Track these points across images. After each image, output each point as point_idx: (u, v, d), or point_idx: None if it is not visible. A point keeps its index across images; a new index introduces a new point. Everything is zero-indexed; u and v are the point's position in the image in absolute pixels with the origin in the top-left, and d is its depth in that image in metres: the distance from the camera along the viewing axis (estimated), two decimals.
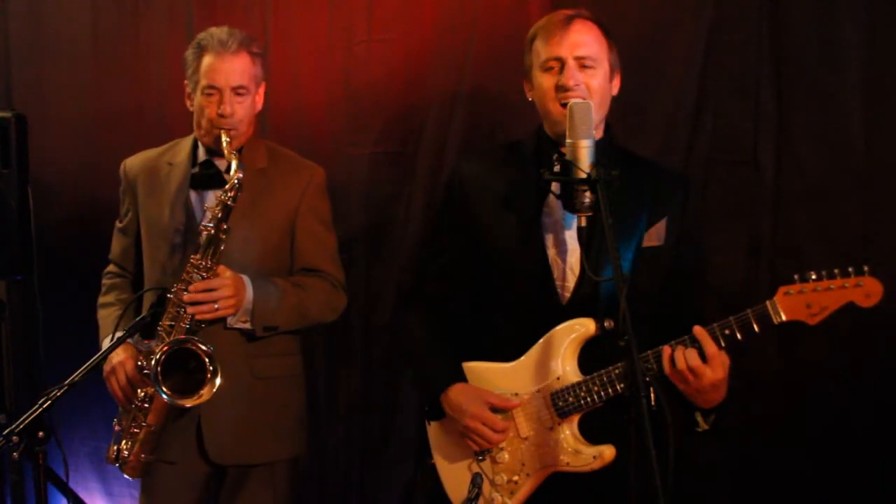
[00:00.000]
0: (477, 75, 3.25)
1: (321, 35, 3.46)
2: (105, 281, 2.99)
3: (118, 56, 3.73)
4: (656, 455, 1.92)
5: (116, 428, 2.75)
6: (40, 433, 2.38)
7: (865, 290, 2.12)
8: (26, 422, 2.30)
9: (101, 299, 2.97)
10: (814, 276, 2.15)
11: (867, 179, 2.88)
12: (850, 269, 2.14)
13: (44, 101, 3.75)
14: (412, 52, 3.35)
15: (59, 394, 2.34)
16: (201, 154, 2.84)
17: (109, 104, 3.73)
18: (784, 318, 2.17)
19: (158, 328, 2.66)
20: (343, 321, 3.49)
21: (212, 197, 2.78)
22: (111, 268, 3.00)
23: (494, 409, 2.37)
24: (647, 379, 2.20)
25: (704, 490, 3.03)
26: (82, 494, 3.54)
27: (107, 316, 2.90)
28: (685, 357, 2.19)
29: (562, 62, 2.32)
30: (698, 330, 2.20)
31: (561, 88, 2.31)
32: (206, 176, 2.82)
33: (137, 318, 2.62)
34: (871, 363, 2.83)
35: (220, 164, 2.80)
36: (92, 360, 2.45)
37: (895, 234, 2.87)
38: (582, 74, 2.31)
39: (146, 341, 2.64)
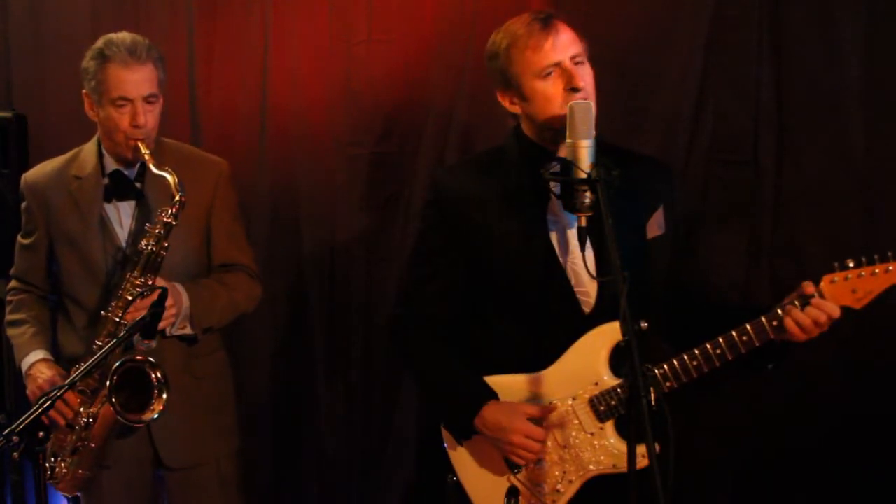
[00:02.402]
0: (477, 75, 3.24)
1: (321, 35, 3.45)
2: (10, 297, 2.94)
3: None
4: (657, 455, 1.92)
5: (46, 446, 2.72)
6: (40, 433, 2.38)
7: None
8: (26, 422, 2.30)
9: (11, 317, 2.91)
10: (852, 264, 2.20)
11: (867, 179, 2.88)
12: (890, 254, 2.20)
13: (44, 101, 3.75)
14: (412, 52, 3.35)
15: (59, 394, 2.34)
16: (109, 164, 2.79)
17: None
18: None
19: (95, 347, 2.66)
20: (343, 322, 3.51)
21: (125, 208, 2.78)
22: (15, 284, 2.95)
23: (533, 420, 2.34)
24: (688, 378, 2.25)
25: (705, 489, 3.03)
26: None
27: (21, 334, 2.86)
28: (810, 316, 2.20)
29: (560, 65, 2.29)
30: (815, 301, 2.21)
31: (572, 90, 2.27)
32: (118, 186, 2.78)
33: (137, 319, 2.61)
34: (873, 363, 2.83)
35: (130, 173, 2.78)
36: (92, 360, 2.44)
37: (895, 233, 2.88)
38: (580, 72, 2.30)
39: (146, 341, 2.64)
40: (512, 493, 2.35)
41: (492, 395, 2.39)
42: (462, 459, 2.47)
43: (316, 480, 3.59)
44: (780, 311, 2.23)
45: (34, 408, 2.31)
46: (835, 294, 2.21)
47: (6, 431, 2.28)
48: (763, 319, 2.23)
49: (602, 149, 2.30)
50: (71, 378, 2.43)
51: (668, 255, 2.40)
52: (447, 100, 3.30)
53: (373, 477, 3.50)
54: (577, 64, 2.31)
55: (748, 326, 2.24)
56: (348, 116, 3.44)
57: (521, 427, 2.32)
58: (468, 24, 3.26)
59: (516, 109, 2.39)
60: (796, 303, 2.22)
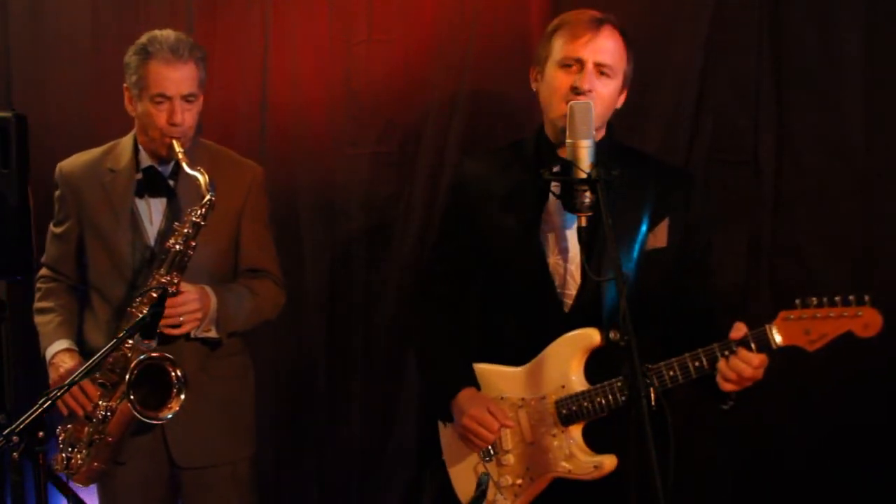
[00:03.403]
0: (477, 75, 3.25)
1: (321, 35, 3.45)
2: (40, 285, 2.94)
3: (118, 56, 3.72)
4: (657, 455, 1.92)
5: (62, 436, 2.73)
6: (40, 433, 2.38)
7: (864, 321, 2.13)
8: (26, 422, 2.30)
9: (39, 304, 2.91)
10: (815, 302, 2.15)
11: (867, 179, 2.89)
12: (852, 298, 2.14)
13: (44, 101, 3.74)
14: (412, 52, 3.35)
15: (59, 394, 2.34)
16: (144, 159, 2.79)
17: (109, 104, 3.72)
18: (781, 342, 2.18)
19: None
20: (343, 322, 3.51)
21: (156, 204, 2.78)
22: (45, 272, 2.95)
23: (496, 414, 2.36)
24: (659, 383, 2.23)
25: (705, 490, 3.03)
26: (82, 494, 3.54)
27: (47, 322, 2.86)
28: (733, 369, 2.19)
29: (582, 64, 2.30)
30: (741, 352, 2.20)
31: (575, 90, 2.28)
32: (151, 183, 2.78)
33: (137, 319, 2.61)
34: (873, 363, 2.83)
35: (164, 170, 2.78)
36: (92, 359, 2.44)
37: (895, 233, 2.88)
38: (598, 81, 2.30)
39: (146, 341, 2.64)
40: (482, 480, 2.38)
41: (472, 382, 2.43)
42: (446, 442, 2.52)
43: (316, 480, 3.58)
44: (718, 352, 2.21)
45: (34, 408, 2.32)
46: (787, 333, 2.17)
47: (6, 431, 2.28)
48: (715, 346, 2.22)
49: (619, 151, 2.31)
50: (71, 378, 2.42)
51: (667, 269, 2.38)
52: (447, 100, 3.30)
53: (373, 477, 3.50)
54: (601, 73, 2.30)
55: (674, 362, 2.24)
56: (348, 116, 3.44)
57: (475, 413, 2.35)
58: (468, 24, 3.26)
59: (535, 87, 2.43)
60: (725, 352, 2.20)
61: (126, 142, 2.84)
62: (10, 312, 3.50)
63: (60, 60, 3.74)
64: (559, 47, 2.34)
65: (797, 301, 2.16)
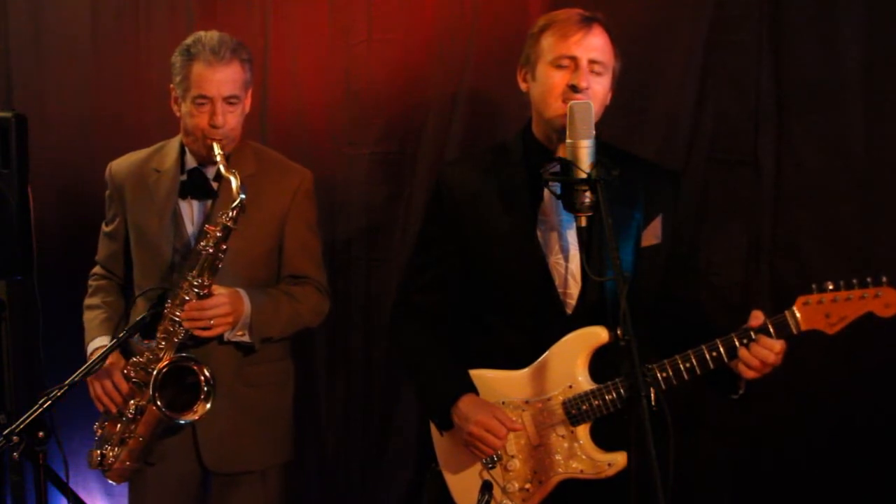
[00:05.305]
0: (477, 75, 3.25)
1: (321, 35, 3.46)
2: (91, 282, 2.97)
3: (118, 56, 3.73)
4: (657, 455, 1.92)
5: (99, 432, 2.74)
6: (40, 433, 2.39)
7: (885, 301, 2.15)
8: (26, 422, 2.31)
9: (88, 301, 2.94)
10: (831, 287, 2.17)
11: (867, 179, 2.88)
12: (869, 280, 2.16)
13: (44, 101, 3.75)
14: (412, 52, 3.35)
15: (59, 394, 2.35)
16: (189, 161, 2.79)
17: (109, 104, 3.74)
18: (802, 328, 2.19)
19: (155, 342, 2.66)
20: (343, 322, 3.51)
21: (199, 206, 2.77)
22: (97, 269, 2.98)
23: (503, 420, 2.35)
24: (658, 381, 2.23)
25: (705, 489, 3.03)
26: (82, 494, 3.54)
27: (92, 318, 2.88)
28: (756, 356, 2.21)
29: (576, 62, 2.30)
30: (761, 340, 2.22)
31: (573, 88, 2.29)
32: (195, 184, 2.78)
33: (137, 318, 2.62)
34: (873, 363, 2.83)
35: (208, 171, 2.77)
36: (93, 360, 2.45)
37: (895, 233, 2.88)
38: (592, 79, 2.31)
39: (146, 341, 2.64)
40: (486, 487, 2.36)
41: (471, 387, 2.41)
42: (443, 449, 2.49)
43: (316, 480, 3.58)
44: (736, 341, 2.23)
45: (34, 408, 2.32)
46: (808, 317, 2.18)
47: (6, 431, 2.29)
48: (734, 337, 2.24)
49: (604, 152, 2.31)
50: (71, 377, 2.43)
51: (661, 265, 2.40)
52: (447, 100, 3.30)
53: (373, 477, 3.50)
54: (593, 71, 2.31)
55: (666, 363, 2.25)
56: (348, 116, 3.44)
57: (482, 420, 2.33)
58: (468, 24, 3.26)
59: (525, 88, 2.43)
60: (744, 340, 2.21)
61: (174, 143, 2.85)
62: (10, 312, 3.51)
63: (60, 60, 3.74)
64: (550, 46, 2.34)
65: (813, 286, 2.18)
